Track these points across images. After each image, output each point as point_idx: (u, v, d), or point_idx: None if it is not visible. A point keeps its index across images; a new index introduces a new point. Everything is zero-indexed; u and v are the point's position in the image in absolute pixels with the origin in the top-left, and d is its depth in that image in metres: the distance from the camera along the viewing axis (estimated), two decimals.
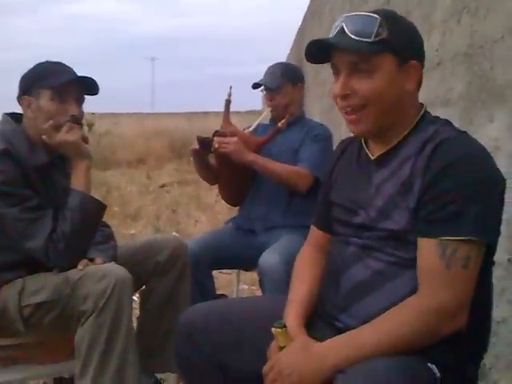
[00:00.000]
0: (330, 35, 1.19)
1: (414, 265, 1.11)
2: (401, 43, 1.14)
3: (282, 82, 2.39)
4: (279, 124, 2.32)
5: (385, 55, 1.13)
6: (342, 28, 1.15)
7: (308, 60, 1.24)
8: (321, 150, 2.29)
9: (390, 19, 1.15)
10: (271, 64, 2.50)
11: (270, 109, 2.45)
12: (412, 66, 1.16)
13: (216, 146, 2.20)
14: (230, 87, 2.36)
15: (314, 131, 2.38)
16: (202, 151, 2.29)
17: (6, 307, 1.63)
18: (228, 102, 2.37)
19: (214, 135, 2.26)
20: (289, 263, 1.82)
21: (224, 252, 2.30)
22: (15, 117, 1.75)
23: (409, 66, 1.15)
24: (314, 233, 1.44)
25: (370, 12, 1.15)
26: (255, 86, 2.47)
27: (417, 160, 1.13)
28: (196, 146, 2.28)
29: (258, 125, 2.48)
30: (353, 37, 1.13)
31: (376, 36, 1.11)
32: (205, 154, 2.32)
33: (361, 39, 1.12)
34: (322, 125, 2.51)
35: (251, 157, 2.24)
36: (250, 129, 2.43)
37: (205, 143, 2.25)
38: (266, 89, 2.43)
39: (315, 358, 1.09)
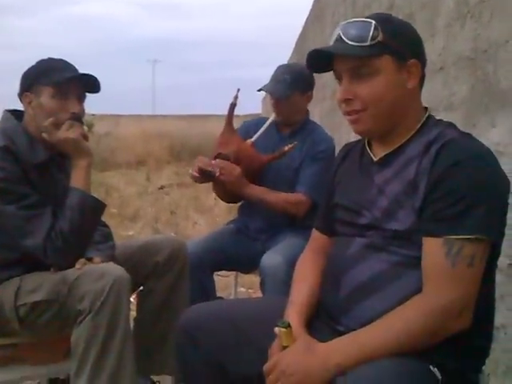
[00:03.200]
0: (331, 43, 1.22)
1: (417, 264, 1.11)
2: (398, 44, 1.16)
3: (291, 91, 2.26)
4: (286, 148, 2.20)
5: (383, 57, 1.16)
6: (340, 36, 1.18)
7: (310, 70, 1.29)
8: (321, 170, 2.20)
9: (385, 22, 1.18)
10: (281, 66, 2.36)
11: (274, 115, 2.36)
12: (412, 65, 1.18)
13: (217, 174, 2.14)
14: (238, 90, 2.26)
15: (317, 147, 2.28)
16: (202, 180, 2.22)
17: (1, 306, 1.61)
18: (233, 106, 2.27)
19: (216, 157, 2.19)
20: (291, 265, 1.81)
21: (225, 253, 2.28)
22: (16, 114, 1.73)
23: (409, 65, 1.18)
24: (316, 236, 1.43)
25: (364, 18, 1.18)
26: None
27: (422, 160, 1.14)
28: (195, 173, 2.19)
29: (261, 134, 2.36)
30: (350, 43, 1.16)
31: (372, 39, 1.14)
32: (204, 181, 2.25)
33: (358, 44, 1.15)
34: (326, 138, 2.37)
35: (248, 190, 2.21)
36: (253, 139, 2.33)
37: (207, 175, 2.18)
38: (274, 97, 2.31)
39: (319, 358, 1.08)
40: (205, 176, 2.18)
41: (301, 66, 2.37)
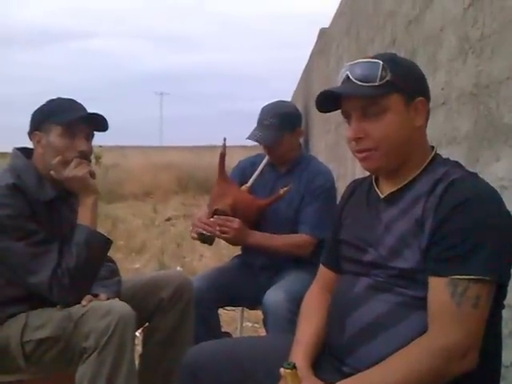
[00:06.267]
0: (338, 83, 1.24)
1: (422, 305, 1.10)
2: (406, 82, 1.18)
3: (280, 135, 2.23)
4: (281, 191, 2.18)
5: (392, 96, 1.17)
6: (348, 76, 1.20)
7: (320, 111, 1.30)
8: (322, 206, 2.20)
9: (392, 62, 1.20)
10: (265, 108, 2.29)
11: (268, 158, 2.33)
12: (419, 103, 1.20)
13: (217, 233, 2.13)
14: (224, 139, 2.18)
15: (314, 182, 2.26)
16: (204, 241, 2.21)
17: (7, 342, 1.61)
18: (223, 156, 2.20)
19: (214, 213, 2.16)
20: (294, 301, 1.78)
21: (230, 289, 2.27)
22: (26, 152, 1.77)
23: (416, 103, 1.19)
24: (323, 272, 1.43)
25: (371, 58, 1.21)
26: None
27: (428, 199, 1.14)
28: (195, 234, 2.18)
29: (257, 176, 2.33)
30: (359, 83, 1.17)
31: (381, 79, 1.16)
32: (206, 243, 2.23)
33: (367, 84, 1.16)
34: (322, 170, 2.34)
35: (252, 239, 2.20)
36: (248, 184, 2.30)
37: (207, 238, 2.18)
38: (264, 144, 2.28)
39: None
40: (205, 239, 2.17)
41: (285, 105, 2.36)
